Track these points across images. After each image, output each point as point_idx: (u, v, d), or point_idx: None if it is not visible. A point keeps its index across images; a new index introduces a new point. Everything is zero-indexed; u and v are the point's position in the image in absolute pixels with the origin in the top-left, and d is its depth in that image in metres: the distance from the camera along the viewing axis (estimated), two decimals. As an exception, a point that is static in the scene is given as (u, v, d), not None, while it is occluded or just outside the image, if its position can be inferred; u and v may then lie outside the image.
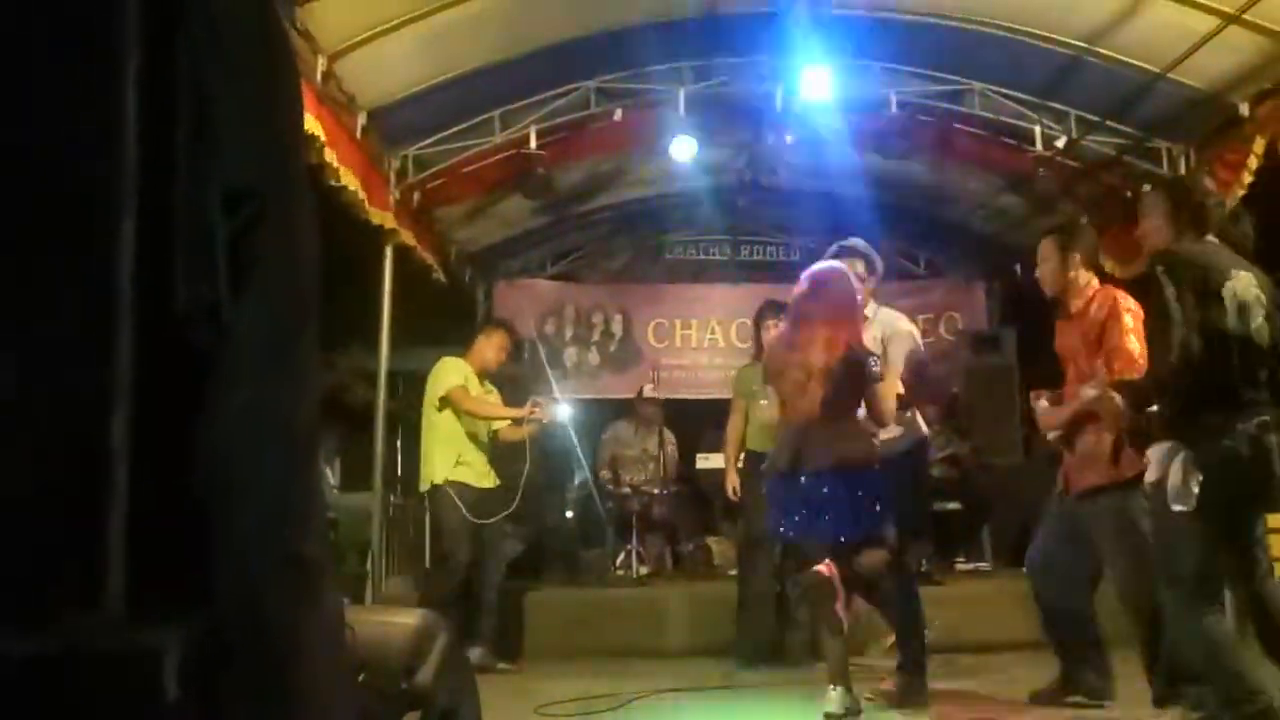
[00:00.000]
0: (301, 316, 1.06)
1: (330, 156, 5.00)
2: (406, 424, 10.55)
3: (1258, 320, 3.12)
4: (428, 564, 7.86)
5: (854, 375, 3.74)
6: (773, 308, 5.33)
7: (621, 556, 7.27)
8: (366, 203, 5.60)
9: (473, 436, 5.32)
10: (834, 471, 3.68)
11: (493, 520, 5.38)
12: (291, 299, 1.06)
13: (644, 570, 7.10)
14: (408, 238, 6.41)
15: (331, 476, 10.09)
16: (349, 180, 5.24)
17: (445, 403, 5.25)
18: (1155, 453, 3.08)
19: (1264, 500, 3.14)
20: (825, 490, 3.68)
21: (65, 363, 0.89)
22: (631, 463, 7.65)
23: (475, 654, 5.05)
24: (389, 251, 6.27)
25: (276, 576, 0.92)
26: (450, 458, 5.22)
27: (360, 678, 1.73)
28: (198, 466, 0.91)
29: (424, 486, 5.31)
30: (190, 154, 0.96)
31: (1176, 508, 2.98)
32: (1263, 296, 3.15)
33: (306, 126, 4.60)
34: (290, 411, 1.01)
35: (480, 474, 5.32)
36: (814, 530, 3.74)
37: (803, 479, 3.73)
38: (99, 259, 0.90)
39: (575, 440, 6.83)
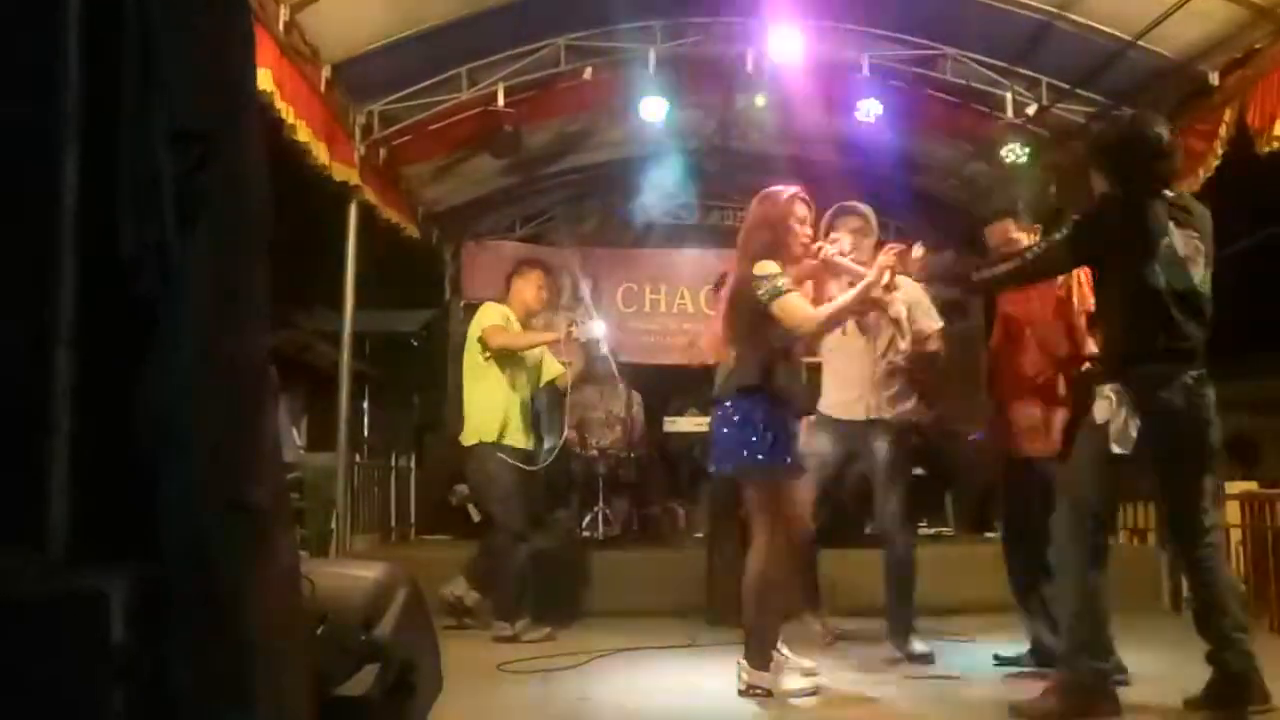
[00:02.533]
0: (249, 260, 1.03)
1: (288, 112, 4.89)
2: (373, 385, 10.51)
3: (1198, 273, 3.15)
4: (392, 523, 7.86)
5: (739, 304, 3.74)
6: None
7: (588, 519, 7.29)
8: (330, 159, 5.50)
9: (520, 396, 5.11)
10: (719, 402, 3.77)
11: (539, 467, 5.32)
12: (239, 242, 1.03)
13: (610, 532, 7.12)
14: (371, 195, 6.32)
15: (297, 437, 10.03)
16: (306, 135, 5.12)
17: (486, 346, 4.98)
18: (1110, 392, 3.10)
19: (1198, 456, 3.17)
20: (717, 420, 3.77)
21: (6, 306, 0.86)
22: (598, 425, 7.65)
23: (472, 596, 5.06)
24: (353, 210, 6.19)
25: (222, 522, 0.90)
26: (500, 416, 4.99)
27: (319, 629, 1.72)
28: (142, 411, 0.89)
29: (468, 440, 5.01)
30: (136, 93, 0.93)
31: (1116, 450, 3.03)
32: (1202, 248, 3.19)
33: (265, 80, 4.51)
34: (237, 357, 0.99)
35: (525, 436, 5.16)
36: (718, 458, 3.81)
37: (716, 411, 3.85)
38: (40, 200, 0.87)
39: (614, 364, 6.53)
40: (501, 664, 4.13)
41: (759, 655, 3.63)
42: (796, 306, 3.62)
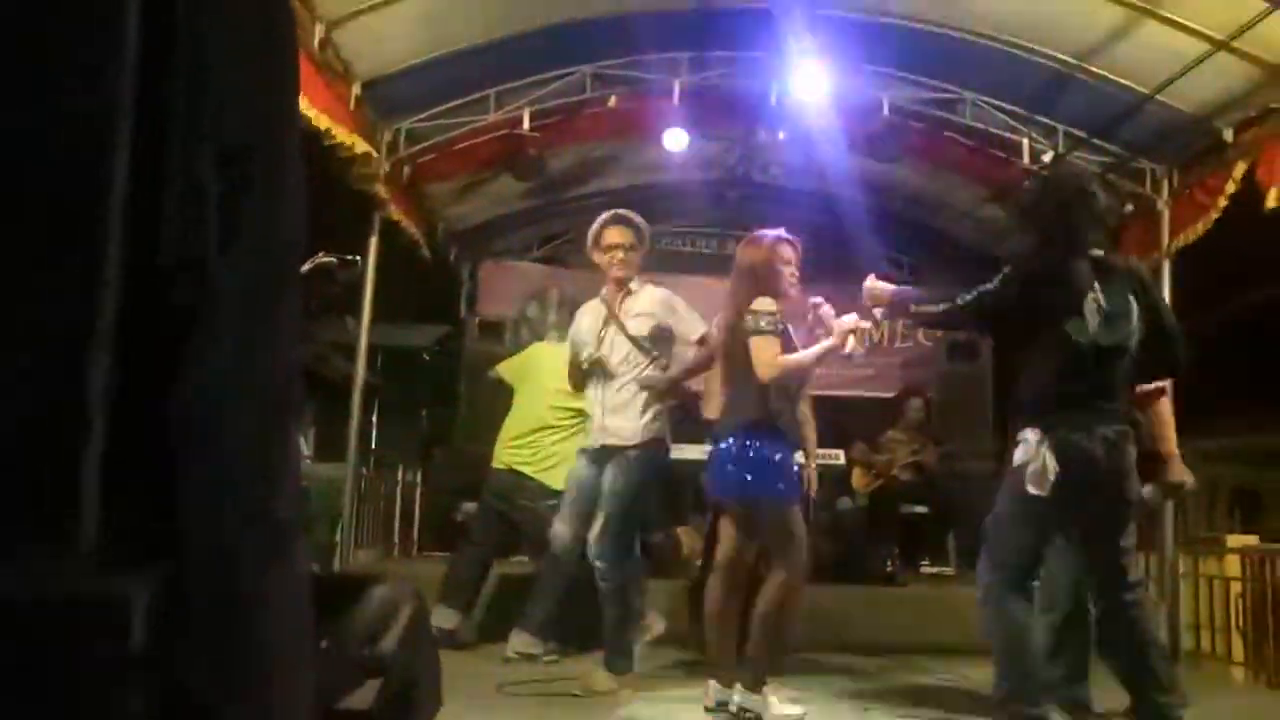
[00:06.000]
0: (284, 276, 1.08)
1: (333, 126, 4.99)
2: (381, 398, 10.55)
3: (1125, 329, 3.17)
4: (395, 538, 7.88)
5: (736, 338, 3.83)
6: None
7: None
8: (367, 170, 5.61)
9: None
10: (735, 432, 3.77)
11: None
12: (275, 259, 1.08)
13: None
14: (395, 212, 6.40)
15: (305, 447, 10.04)
16: (345, 139, 5.22)
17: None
18: (1031, 435, 3.11)
19: (1117, 508, 3.19)
20: (721, 454, 3.79)
21: (48, 305, 0.90)
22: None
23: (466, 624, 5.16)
24: (375, 223, 6.26)
25: (246, 532, 0.94)
26: None
27: (322, 643, 1.75)
28: (174, 418, 0.93)
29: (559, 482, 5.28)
30: (185, 105, 0.98)
31: (1032, 490, 3.03)
32: (1132, 304, 3.20)
33: (301, 97, 4.59)
34: (269, 370, 1.03)
35: None
36: (723, 489, 3.87)
37: (718, 443, 3.87)
38: (87, 202, 0.92)
39: None
40: (502, 686, 4.15)
41: (755, 679, 3.69)
42: (766, 350, 3.70)
